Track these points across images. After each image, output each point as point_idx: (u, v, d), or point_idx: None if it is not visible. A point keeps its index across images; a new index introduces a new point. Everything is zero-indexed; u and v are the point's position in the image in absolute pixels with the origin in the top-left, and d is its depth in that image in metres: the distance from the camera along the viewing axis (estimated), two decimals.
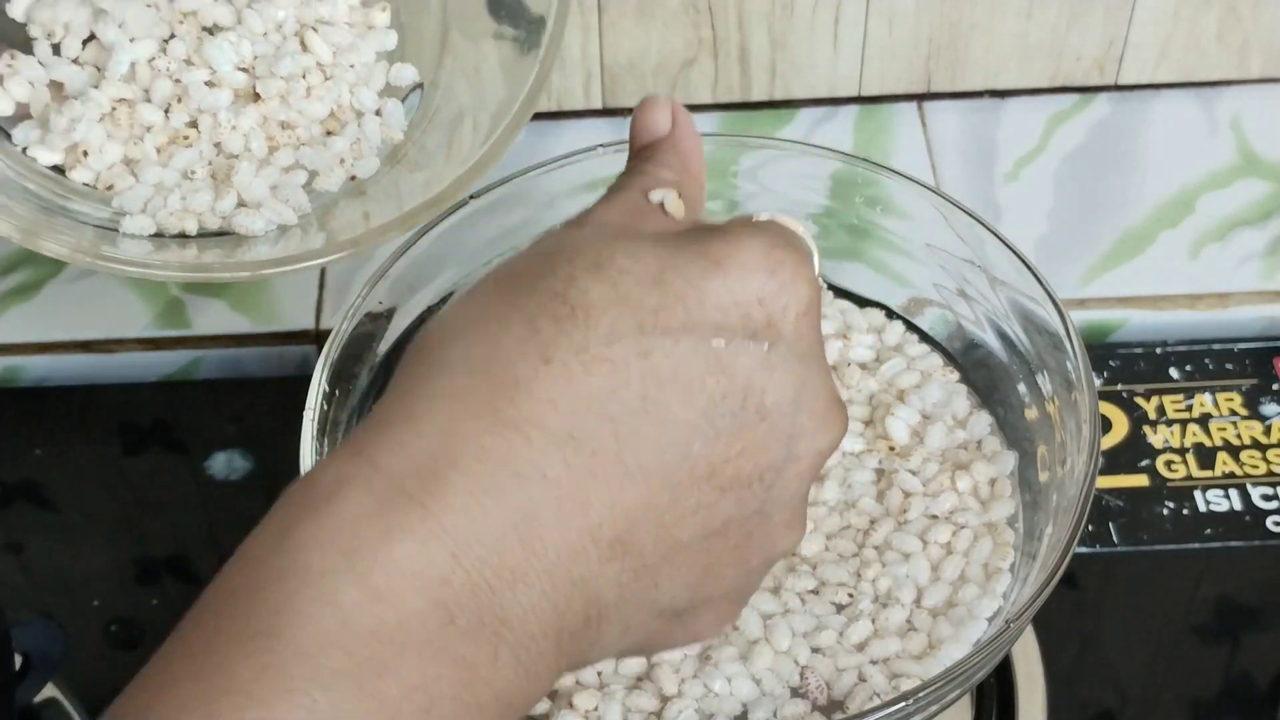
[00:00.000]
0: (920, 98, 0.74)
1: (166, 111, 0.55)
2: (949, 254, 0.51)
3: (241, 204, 0.54)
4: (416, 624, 0.30)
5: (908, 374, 0.50)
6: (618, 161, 0.51)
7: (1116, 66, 0.73)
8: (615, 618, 0.34)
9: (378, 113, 0.57)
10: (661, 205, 0.39)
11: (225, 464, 0.63)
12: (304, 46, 0.57)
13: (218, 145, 0.55)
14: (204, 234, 0.54)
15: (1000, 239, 0.49)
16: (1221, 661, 0.56)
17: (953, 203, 0.50)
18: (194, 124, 0.55)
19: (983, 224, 0.49)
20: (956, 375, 0.51)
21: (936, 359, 0.51)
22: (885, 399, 0.50)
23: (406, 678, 0.29)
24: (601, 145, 0.51)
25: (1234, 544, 0.59)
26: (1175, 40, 0.72)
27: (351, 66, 0.57)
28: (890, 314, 0.53)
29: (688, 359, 0.33)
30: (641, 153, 0.41)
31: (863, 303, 0.53)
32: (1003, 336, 0.50)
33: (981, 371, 0.51)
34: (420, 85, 0.59)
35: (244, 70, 0.55)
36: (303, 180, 0.55)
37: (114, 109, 0.54)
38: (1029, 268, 0.48)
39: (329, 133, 0.56)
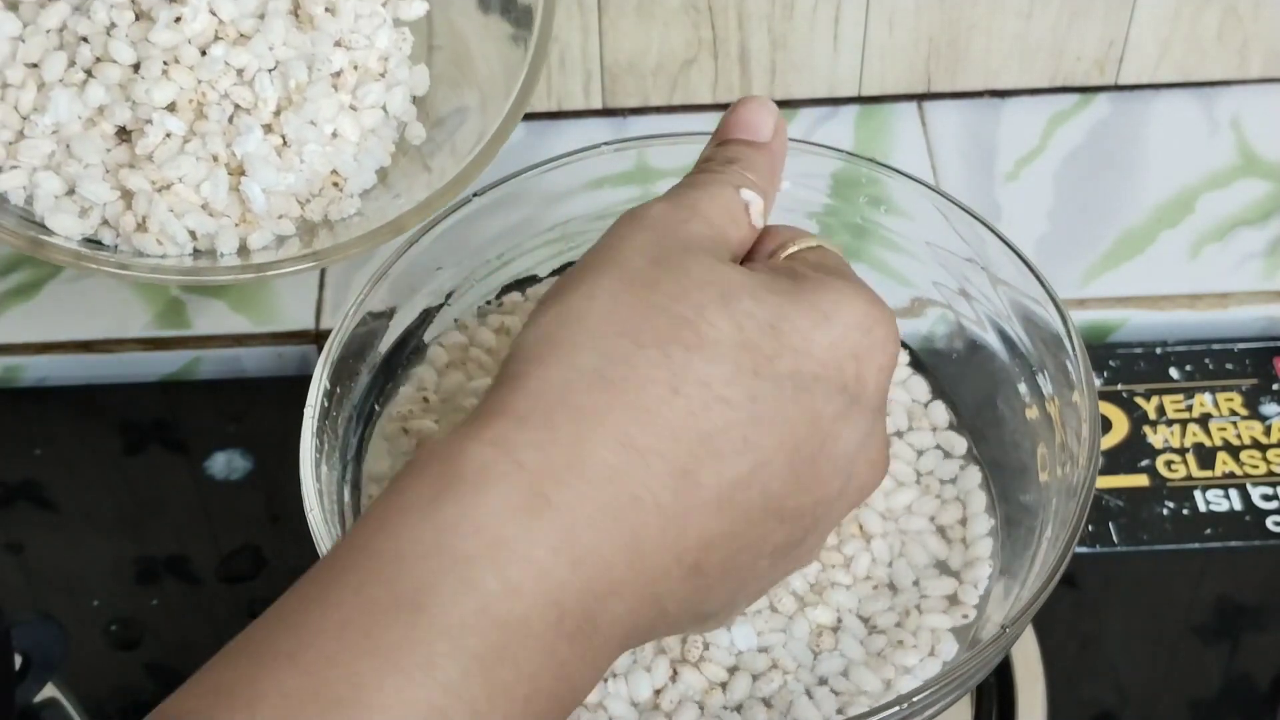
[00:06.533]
0: (920, 98, 0.74)
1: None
2: (950, 253, 0.51)
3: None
4: (537, 620, 0.32)
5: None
6: (619, 160, 0.52)
7: (1116, 66, 0.73)
8: (668, 626, 0.37)
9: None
10: (747, 207, 0.40)
11: (225, 464, 0.63)
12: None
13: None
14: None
15: (1001, 239, 0.49)
16: (1221, 661, 0.56)
17: (954, 202, 0.50)
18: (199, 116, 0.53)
19: (983, 223, 0.49)
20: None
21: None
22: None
23: (521, 668, 0.32)
24: (605, 143, 0.51)
25: (1234, 544, 0.59)
26: (1175, 40, 0.72)
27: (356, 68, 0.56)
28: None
29: (786, 406, 0.36)
30: (730, 147, 0.42)
31: None
32: (1003, 336, 0.50)
33: (982, 371, 0.51)
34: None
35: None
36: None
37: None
38: (1029, 267, 0.48)
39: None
